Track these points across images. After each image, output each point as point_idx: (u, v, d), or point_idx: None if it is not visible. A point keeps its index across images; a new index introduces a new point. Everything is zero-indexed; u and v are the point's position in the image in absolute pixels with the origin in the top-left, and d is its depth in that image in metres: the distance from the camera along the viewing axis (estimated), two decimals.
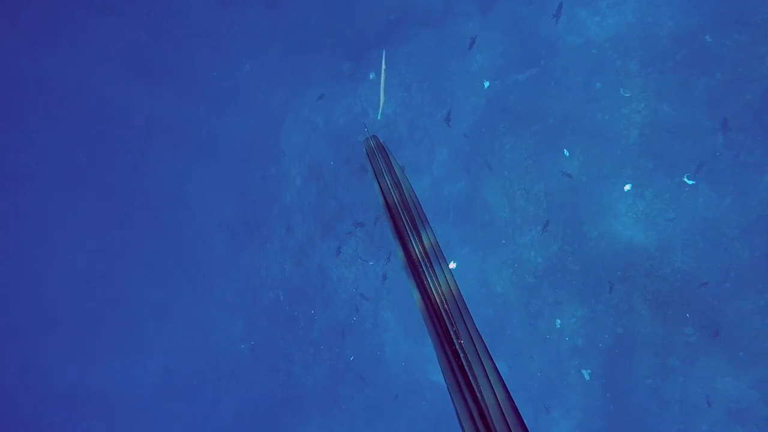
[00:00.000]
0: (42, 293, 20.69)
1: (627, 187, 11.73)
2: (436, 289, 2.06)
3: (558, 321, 13.07)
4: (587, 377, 12.68)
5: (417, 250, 2.26)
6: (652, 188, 11.52)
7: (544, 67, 13.81)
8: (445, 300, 2.00)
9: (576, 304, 12.64)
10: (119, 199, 20.40)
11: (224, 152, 18.86)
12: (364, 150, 2.93)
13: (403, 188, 2.57)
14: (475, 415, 1.54)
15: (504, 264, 13.91)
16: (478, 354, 1.72)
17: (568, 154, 12.51)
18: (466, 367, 1.69)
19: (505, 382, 1.62)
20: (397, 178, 2.66)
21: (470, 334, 1.81)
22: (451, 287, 2.06)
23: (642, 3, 12.83)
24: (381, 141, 2.99)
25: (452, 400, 1.62)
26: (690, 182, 10.96)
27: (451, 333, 1.82)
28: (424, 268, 2.18)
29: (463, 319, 1.88)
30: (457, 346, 1.76)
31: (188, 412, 19.88)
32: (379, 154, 2.84)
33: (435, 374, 16.26)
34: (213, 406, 19.33)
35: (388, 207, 2.50)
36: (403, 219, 2.40)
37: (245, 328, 17.18)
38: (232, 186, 18.53)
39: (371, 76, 14.40)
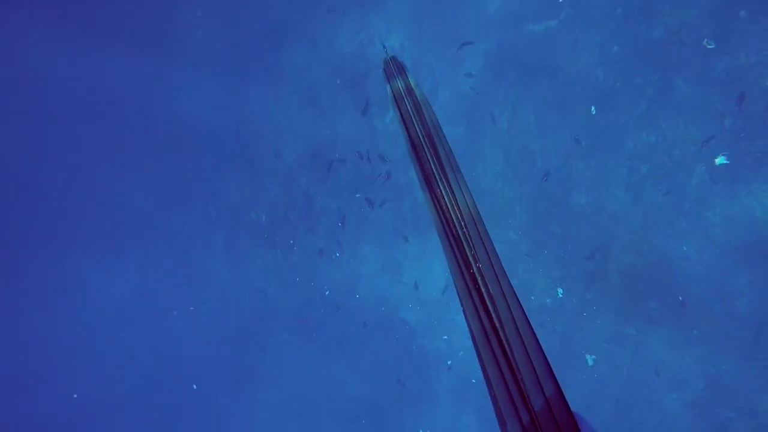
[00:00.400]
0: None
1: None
2: (454, 211, 1.97)
3: (560, 290, 13.38)
4: (590, 362, 13.15)
5: (436, 172, 2.17)
6: (649, 163, 11.47)
7: (563, 21, 13.16)
8: (464, 222, 1.90)
9: (552, 264, 12.93)
10: (109, 105, 19.55)
11: (219, 62, 17.98)
12: (383, 71, 2.82)
13: (424, 111, 2.47)
14: (493, 342, 1.48)
15: (488, 216, 13.98)
16: (497, 277, 1.63)
17: (594, 111, 12.03)
18: (484, 292, 1.61)
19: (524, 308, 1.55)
20: (418, 100, 2.55)
21: (489, 257, 1.71)
22: (470, 208, 1.97)
23: None
24: (401, 62, 2.84)
25: (468, 324, 1.56)
26: (721, 162, 10.77)
27: (470, 257, 1.73)
28: (442, 189, 2.10)
29: (482, 241, 1.79)
30: (475, 270, 1.68)
31: (162, 316, 20.35)
32: (399, 76, 2.71)
33: (405, 312, 16.80)
34: (186, 316, 19.79)
35: (408, 133, 2.40)
36: (423, 141, 2.30)
37: (225, 243, 17.26)
38: (225, 99, 17.87)
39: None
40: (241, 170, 16.36)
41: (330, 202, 15.72)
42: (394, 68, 2.78)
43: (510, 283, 1.60)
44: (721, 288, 11.39)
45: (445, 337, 15.91)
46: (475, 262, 1.71)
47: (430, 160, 2.22)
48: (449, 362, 16.29)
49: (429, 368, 16.95)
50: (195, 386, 20.17)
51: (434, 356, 16.70)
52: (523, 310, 1.54)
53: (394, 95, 2.62)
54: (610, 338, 12.59)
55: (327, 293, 16.89)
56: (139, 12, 18.31)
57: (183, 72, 18.66)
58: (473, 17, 14.60)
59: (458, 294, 1.68)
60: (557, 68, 12.81)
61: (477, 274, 1.68)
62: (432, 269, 16.43)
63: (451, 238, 1.87)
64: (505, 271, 1.67)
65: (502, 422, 1.31)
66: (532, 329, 1.48)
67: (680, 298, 11.60)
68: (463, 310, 1.64)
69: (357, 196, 15.37)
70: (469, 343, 16.02)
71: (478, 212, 1.98)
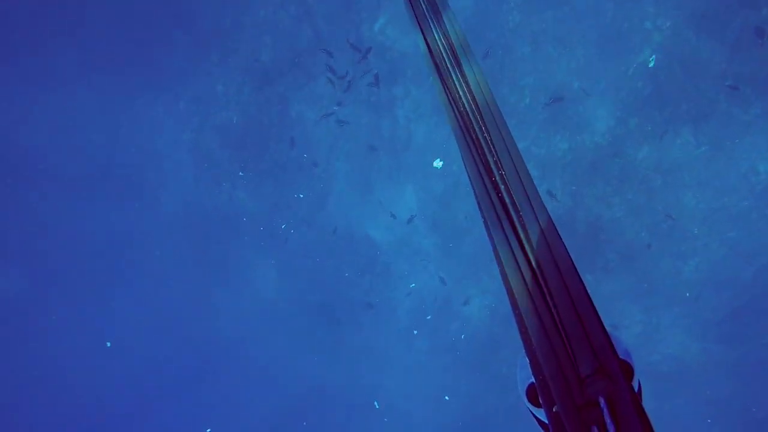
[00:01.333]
0: None
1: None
2: (472, 110, 1.73)
3: None
4: None
5: (448, 60, 1.90)
6: (637, 117, 11.10)
7: None
8: (483, 121, 1.67)
9: None
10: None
11: None
12: None
13: (447, 23, 2.17)
14: (519, 257, 1.32)
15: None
16: (523, 185, 1.46)
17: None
18: (508, 202, 1.45)
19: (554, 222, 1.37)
20: (443, 17, 2.23)
21: (513, 161, 1.52)
22: (490, 105, 1.72)
23: None
24: None
25: (490, 236, 1.41)
26: None
27: (491, 163, 1.55)
28: (454, 74, 1.87)
29: (505, 144, 1.59)
30: (498, 178, 1.51)
31: (126, 207, 19.92)
32: None
33: (374, 230, 16.86)
34: (152, 202, 19.38)
35: (414, 9, 2.15)
36: (432, 23, 2.06)
37: (192, 139, 16.46)
38: None
39: None
40: (215, 65, 15.16)
41: (306, 109, 14.94)
42: None
43: (537, 192, 1.42)
44: (677, 247, 11.70)
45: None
46: (498, 170, 1.52)
47: (441, 46, 1.98)
48: (412, 285, 16.76)
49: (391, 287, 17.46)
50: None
51: (397, 276, 17.12)
52: (551, 220, 1.36)
53: (415, 14, 2.29)
54: None
55: (301, 196, 16.66)
56: None
57: None
58: None
59: (478, 204, 1.52)
60: None
61: (500, 182, 1.50)
62: (404, 189, 16.25)
63: (470, 142, 1.64)
64: (531, 178, 1.48)
65: (529, 346, 1.19)
66: (562, 242, 1.30)
67: (648, 244, 11.85)
68: (484, 221, 1.47)
69: (336, 108, 14.62)
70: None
71: (499, 110, 1.70)
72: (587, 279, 12.93)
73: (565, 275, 1.22)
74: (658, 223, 11.58)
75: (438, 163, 14.65)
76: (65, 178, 20.47)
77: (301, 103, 14.82)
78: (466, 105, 1.76)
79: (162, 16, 16.78)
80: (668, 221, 11.52)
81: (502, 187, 1.48)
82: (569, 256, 1.25)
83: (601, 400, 1.00)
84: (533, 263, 1.29)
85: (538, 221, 1.36)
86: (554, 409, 1.09)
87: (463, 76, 1.87)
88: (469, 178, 1.55)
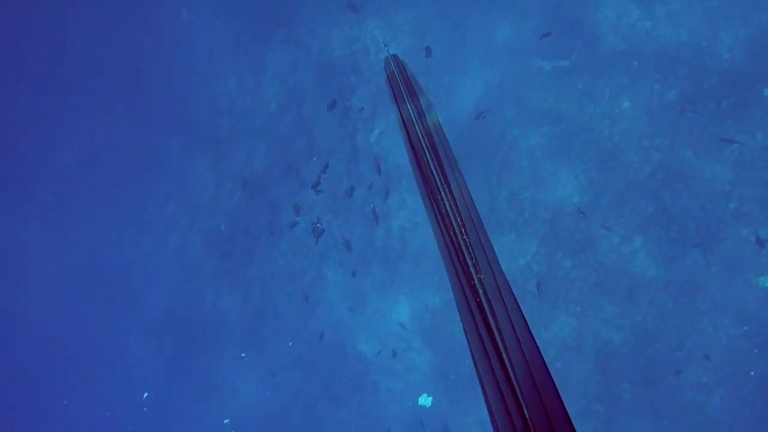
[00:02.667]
0: None
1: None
2: (455, 217, 1.85)
3: None
4: None
5: (437, 178, 2.07)
6: (643, 236, 10.52)
7: (574, 63, 12.15)
8: (465, 230, 1.79)
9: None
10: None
11: (201, 45, 16.52)
12: (385, 72, 2.74)
13: (427, 117, 2.36)
14: (498, 371, 1.35)
15: None
16: (500, 290, 1.54)
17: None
18: (485, 305, 1.53)
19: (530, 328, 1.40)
20: (420, 104, 2.44)
21: (491, 267, 1.62)
22: (472, 216, 1.85)
23: (702, 22, 11.17)
24: (402, 60, 2.77)
25: (469, 344, 1.50)
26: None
27: (471, 267, 1.64)
28: (442, 193, 2.00)
29: (484, 251, 1.68)
30: (476, 281, 1.59)
31: (106, 308, 18.89)
32: (400, 77, 2.60)
33: (365, 344, 15.67)
34: (133, 311, 18.34)
35: (408, 133, 2.27)
36: (423, 142, 2.20)
37: (179, 245, 15.85)
38: (203, 84, 16.43)
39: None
40: (207, 170, 14.98)
41: (296, 217, 14.47)
42: (395, 66, 2.70)
43: (514, 297, 1.51)
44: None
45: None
46: (477, 273, 1.62)
47: (430, 162, 2.10)
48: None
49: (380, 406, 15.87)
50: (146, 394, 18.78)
51: (386, 395, 15.60)
52: (526, 323, 1.43)
53: (394, 94, 2.50)
54: (577, 414, 11.65)
55: (291, 344, 15.63)
56: None
57: (168, 48, 17.14)
58: (480, 42, 13.50)
59: (457, 305, 1.60)
60: (560, 114, 11.79)
61: (478, 286, 1.59)
62: (398, 301, 15.32)
63: (451, 246, 1.75)
64: (509, 284, 1.56)
65: None
66: (535, 343, 1.38)
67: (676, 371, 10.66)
68: (462, 323, 1.56)
69: (318, 225, 14.17)
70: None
71: (480, 220, 1.85)
72: (598, 409, 11.59)
73: (539, 382, 1.25)
74: (674, 350, 10.53)
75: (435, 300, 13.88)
76: (48, 274, 19.66)
77: (292, 211, 14.39)
78: (447, 207, 1.87)
79: (161, 118, 16.99)
80: (684, 347, 10.49)
81: (480, 291, 1.56)
82: (543, 361, 1.29)
83: None
84: (507, 367, 1.34)
85: (511, 320, 1.43)
86: None
87: (451, 193, 1.95)
88: (449, 277, 1.64)
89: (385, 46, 13.43)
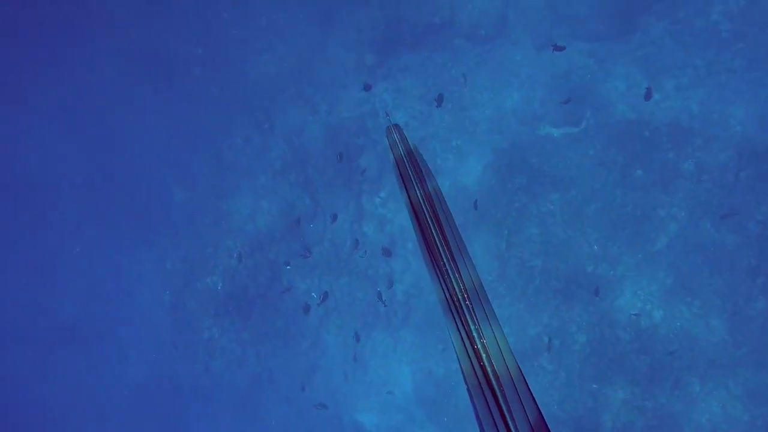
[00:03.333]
0: None
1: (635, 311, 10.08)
2: (457, 284, 1.93)
3: None
4: None
5: (440, 245, 2.14)
6: (663, 309, 9.94)
7: (584, 131, 12.07)
8: (467, 296, 1.87)
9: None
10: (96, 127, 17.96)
11: (214, 96, 16.63)
12: (387, 141, 2.87)
13: (428, 185, 2.47)
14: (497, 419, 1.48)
15: None
16: (502, 354, 1.64)
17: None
18: (488, 369, 1.61)
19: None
20: (419, 168, 2.57)
21: (494, 333, 1.72)
22: (474, 282, 1.95)
23: (711, 95, 11.16)
24: (402, 131, 2.91)
25: (472, 402, 1.58)
26: None
27: (473, 330, 1.74)
28: (445, 260, 2.05)
29: (487, 317, 1.79)
30: (479, 346, 1.68)
31: (91, 364, 17.95)
32: (401, 145, 2.73)
33: (364, 414, 14.66)
34: (120, 369, 17.41)
35: (411, 202, 2.37)
36: (425, 210, 2.31)
37: (173, 302, 15.22)
38: (210, 139, 16.40)
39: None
40: (207, 226, 14.63)
41: (299, 279, 13.94)
42: (397, 136, 2.83)
43: (516, 361, 1.61)
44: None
45: None
46: (480, 338, 1.71)
47: (433, 231, 2.21)
48: None
49: None
50: None
51: None
52: (529, 389, 1.52)
53: (396, 163, 2.66)
54: None
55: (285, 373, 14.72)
56: (141, 39, 17.16)
57: (180, 105, 17.27)
58: (488, 107, 13.53)
59: (462, 371, 1.67)
60: (571, 181, 11.55)
61: (481, 351, 1.67)
62: (400, 370, 14.47)
63: (455, 312, 1.83)
64: (510, 348, 1.66)
65: None
66: (539, 409, 1.46)
67: None
68: (468, 389, 1.62)
69: (324, 292, 13.63)
70: None
71: (483, 287, 1.95)
72: None
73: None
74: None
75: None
76: (35, 328, 18.87)
77: (293, 271, 13.90)
78: (450, 272, 1.97)
79: (163, 173, 16.86)
80: None
81: (483, 355, 1.64)
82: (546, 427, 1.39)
83: None
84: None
85: (518, 393, 1.51)
86: None
87: (453, 259, 2.04)
88: (451, 338, 1.76)
89: (387, 115, 13.50)
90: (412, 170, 2.54)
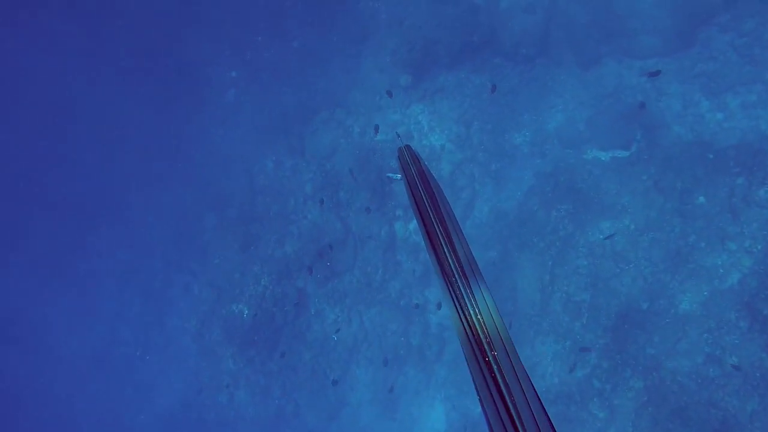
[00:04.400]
0: None
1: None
2: (475, 315, 1.93)
3: None
4: None
5: (453, 266, 2.17)
6: (737, 355, 8.71)
7: (636, 155, 11.10)
8: (486, 329, 1.88)
9: None
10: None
11: (246, 120, 16.49)
12: (398, 161, 2.89)
13: (439, 201, 2.49)
14: None
15: None
16: (523, 389, 1.66)
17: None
18: (509, 402, 1.63)
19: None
20: (432, 190, 2.58)
21: (513, 367, 1.74)
22: (494, 318, 1.93)
23: None
24: (415, 151, 2.91)
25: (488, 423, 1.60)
26: None
27: (489, 357, 1.76)
28: (461, 287, 2.07)
29: (506, 352, 1.79)
30: (500, 381, 1.70)
31: (119, 393, 17.69)
32: (413, 167, 2.76)
33: None
34: (146, 398, 17.05)
35: (422, 219, 2.43)
36: (438, 233, 2.33)
37: (198, 329, 14.82)
38: (242, 163, 16.21)
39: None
40: (236, 252, 14.25)
41: (327, 308, 13.29)
42: (409, 157, 2.82)
43: (538, 396, 1.64)
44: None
45: None
46: (500, 373, 1.73)
47: (446, 253, 2.22)
48: None
49: None
50: None
51: None
52: (549, 420, 1.54)
53: (408, 184, 2.66)
54: None
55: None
56: (174, 63, 17.35)
57: (213, 127, 17.26)
58: (529, 129, 12.74)
59: (482, 405, 1.68)
60: (623, 208, 10.54)
61: (503, 385, 1.69)
62: (433, 407, 13.49)
63: (473, 343, 1.84)
64: (532, 385, 1.67)
65: None
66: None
67: None
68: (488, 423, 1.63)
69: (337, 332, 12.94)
70: None
71: (502, 320, 1.92)
72: None
73: None
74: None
75: None
76: (66, 350, 18.88)
77: (321, 300, 13.27)
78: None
79: (196, 198, 16.72)
80: None
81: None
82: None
83: None
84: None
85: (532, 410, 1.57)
86: None
87: (469, 285, 2.04)
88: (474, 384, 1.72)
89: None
90: (425, 193, 2.51)
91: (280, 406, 14.29)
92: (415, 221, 13.00)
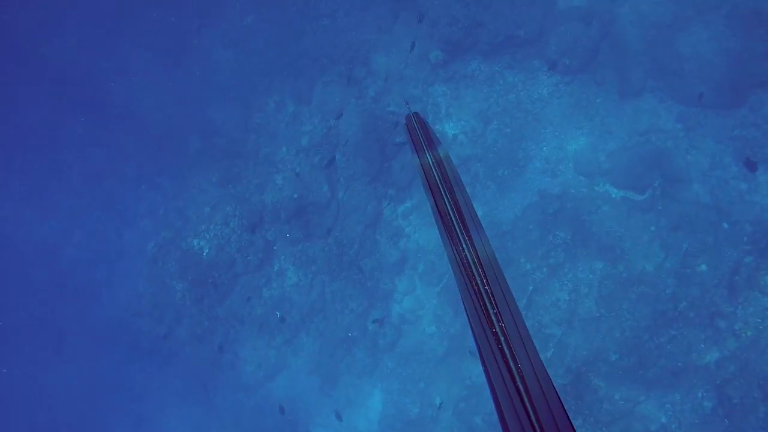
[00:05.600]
0: None
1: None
2: (475, 267, 1.92)
3: None
4: None
5: (457, 226, 2.16)
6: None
7: (649, 201, 10.51)
8: (486, 280, 1.85)
9: None
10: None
11: (258, 48, 15.31)
12: (405, 125, 2.88)
13: (445, 165, 2.46)
14: (516, 403, 1.47)
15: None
16: (521, 336, 1.65)
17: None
18: (506, 351, 1.60)
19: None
20: (440, 157, 2.54)
21: (512, 314, 1.73)
22: (492, 264, 1.93)
23: None
24: (423, 118, 2.86)
25: (492, 391, 1.56)
26: None
27: (492, 315, 1.73)
28: (462, 241, 2.06)
29: (505, 299, 1.79)
30: (498, 330, 1.68)
31: (63, 288, 16.89)
32: (420, 130, 2.74)
33: (319, 428, 13.36)
34: (92, 299, 16.33)
35: (426, 177, 2.42)
36: (444, 195, 2.29)
37: (154, 254, 14.01)
38: (242, 94, 15.14)
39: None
40: (213, 185, 13.36)
41: (290, 267, 12.61)
42: (416, 124, 2.80)
43: (533, 344, 1.62)
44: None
45: None
46: (498, 321, 1.70)
47: (451, 214, 2.22)
48: None
49: None
50: None
51: None
52: (545, 369, 1.53)
53: (415, 148, 2.63)
54: None
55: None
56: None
57: (223, 46, 16.05)
58: (547, 144, 12.01)
59: (480, 353, 1.65)
60: (621, 253, 10.01)
61: (500, 333, 1.66)
62: (372, 395, 13.13)
63: (474, 295, 1.83)
64: (528, 331, 1.64)
65: None
66: (555, 390, 1.49)
67: None
68: (485, 371, 1.62)
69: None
70: None
71: (500, 269, 1.93)
72: None
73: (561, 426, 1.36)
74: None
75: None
76: (12, 242, 17.90)
77: (288, 259, 12.59)
78: (469, 260, 1.95)
79: (186, 115, 15.66)
80: None
81: (502, 338, 1.64)
82: (563, 407, 1.41)
83: None
84: (527, 405, 1.44)
85: (533, 366, 1.54)
86: None
87: (471, 241, 2.03)
88: (472, 328, 1.74)
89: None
90: (430, 154, 2.49)
91: (217, 354, 13.75)
92: (404, 205, 12.30)
